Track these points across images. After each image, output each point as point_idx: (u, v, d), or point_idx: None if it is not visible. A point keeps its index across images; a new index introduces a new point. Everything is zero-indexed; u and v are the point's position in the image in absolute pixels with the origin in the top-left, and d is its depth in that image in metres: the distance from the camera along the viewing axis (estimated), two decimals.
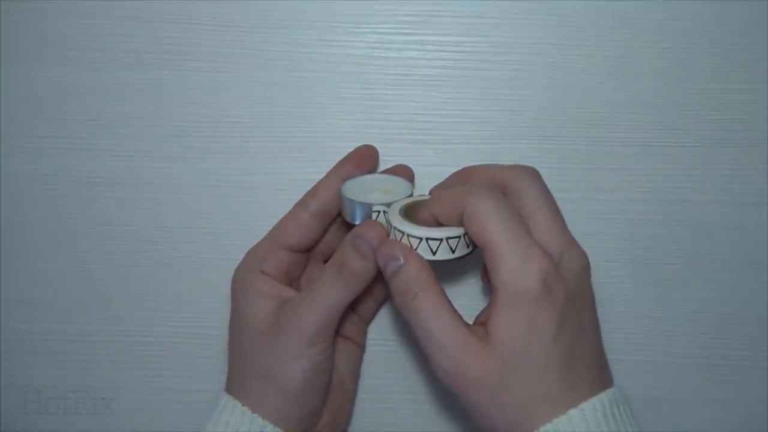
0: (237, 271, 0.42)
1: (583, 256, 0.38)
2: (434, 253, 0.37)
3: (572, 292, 0.36)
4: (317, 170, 0.45)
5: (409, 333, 0.47)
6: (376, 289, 0.44)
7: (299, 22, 0.46)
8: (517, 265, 0.35)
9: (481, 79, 0.46)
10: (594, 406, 0.34)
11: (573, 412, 0.34)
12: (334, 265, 0.39)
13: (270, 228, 0.43)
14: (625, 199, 0.46)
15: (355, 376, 0.46)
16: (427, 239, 0.37)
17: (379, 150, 0.45)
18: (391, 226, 0.39)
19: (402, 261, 0.37)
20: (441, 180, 0.43)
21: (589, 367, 0.36)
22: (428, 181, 0.44)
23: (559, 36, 0.46)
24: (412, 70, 0.46)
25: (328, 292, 0.39)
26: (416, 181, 0.45)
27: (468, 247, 0.38)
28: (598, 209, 0.46)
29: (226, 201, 0.46)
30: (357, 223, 0.40)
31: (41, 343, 0.47)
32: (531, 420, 0.34)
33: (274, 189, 0.46)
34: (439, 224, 0.38)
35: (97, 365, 0.47)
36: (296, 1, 0.46)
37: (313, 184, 0.43)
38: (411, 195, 0.41)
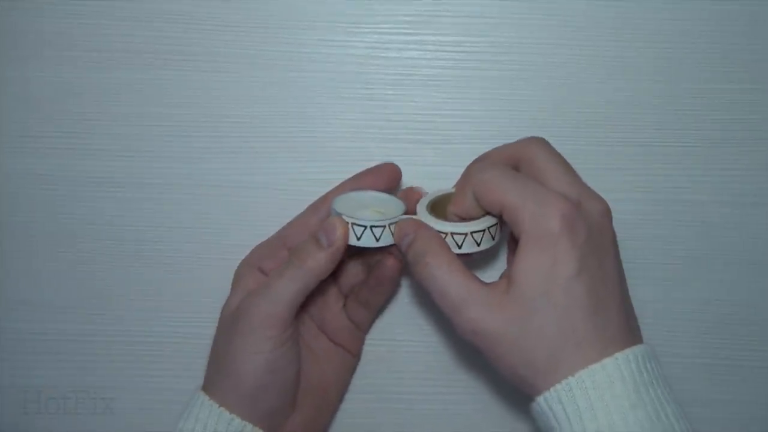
0: (238, 265, 0.43)
1: (602, 201, 0.37)
2: (460, 247, 0.38)
3: (594, 233, 0.35)
4: (317, 170, 0.45)
5: (409, 333, 0.47)
6: (372, 297, 0.44)
7: (299, 22, 0.46)
8: (535, 210, 0.35)
9: (481, 79, 0.46)
10: (628, 358, 0.34)
11: (607, 360, 0.34)
12: (289, 257, 0.40)
13: (271, 228, 0.43)
14: (625, 199, 0.46)
15: (342, 384, 0.45)
16: (452, 234, 0.38)
17: (379, 150, 0.45)
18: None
19: (412, 235, 0.38)
20: (441, 180, 0.43)
21: (614, 312, 0.35)
22: (428, 181, 0.44)
23: (559, 36, 0.46)
24: (412, 70, 0.46)
25: (277, 283, 0.39)
26: (416, 181, 0.45)
27: (493, 239, 0.39)
28: None
29: (226, 201, 0.46)
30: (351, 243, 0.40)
31: (41, 343, 0.47)
32: (559, 365, 0.34)
33: (274, 189, 0.46)
34: (465, 219, 0.39)
35: (97, 365, 0.47)
36: (296, 1, 0.46)
37: (314, 185, 0.43)
38: (404, 213, 0.41)
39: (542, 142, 0.39)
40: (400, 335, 0.47)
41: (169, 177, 0.46)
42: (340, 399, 0.46)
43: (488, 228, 0.39)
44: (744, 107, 0.46)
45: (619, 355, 0.34)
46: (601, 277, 0.35)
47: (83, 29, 0.46)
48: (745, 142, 0.46)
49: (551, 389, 0.34)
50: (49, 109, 0.46)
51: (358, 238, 0.39)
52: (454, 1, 0.46)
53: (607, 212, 0.37)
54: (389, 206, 0.41)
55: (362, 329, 0.45)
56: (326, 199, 0.43)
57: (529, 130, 0.45)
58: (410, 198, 0.42)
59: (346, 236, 0.39)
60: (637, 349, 0.34)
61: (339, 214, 0.39)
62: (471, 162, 0.41)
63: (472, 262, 0.42)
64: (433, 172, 0.46)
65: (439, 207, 0.40)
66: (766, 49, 0.45)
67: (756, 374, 0.47)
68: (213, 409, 0.39)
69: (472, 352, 0.47)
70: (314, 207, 0.43)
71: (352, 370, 0.46)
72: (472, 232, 0.38)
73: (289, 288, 0.39)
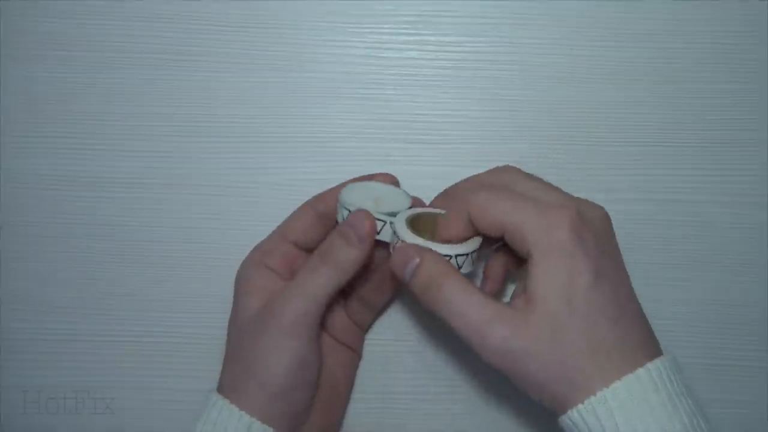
0: (241, 265, 0.43)
1: (600, 208, 0.37)
2: (460, 268, 0.37)
3: (600, 240, 0.35)
4: (317, 170, 0.45)
5: (408, 333, 0.47)
6: (374, 298, 0.44)
7: (299, 22, 0.46)
8: (541, 224, 0.35)
9: (481, 79, 0.46)
10: (659, 368, 0.34)
11: (641, 371, 0.33)
12: (318, 254, 0.39)
13: (272, 228, 0.43)
14: (625, 199, 0.46)
15: (350, 381, 0.45)
16: (456, 256, 0.37)
17: (379, 150, 0.46)
18: (398, 237, 0.38)
19: (418, 259, 0.37)
20: (441, 180, 0.43)
21: (636, 319, 0.35)
22: (428, 181, 0.44)
23: (559, 36, 0.46)
24: (412, 70, 0.46)
25: (309, 281, 0.39)
26: (416, 181, 0.45)
27: (473, 264, 0.38)
28: None
29: (226, 201, 0.46)
30: None
31: (41, 343, 0.47)
32: (592, 377, 0.34)
33: (274, 189, 0.46)
34: (451, 242, 0.38)
35: (97, 365, 0.47)
36: (297, 1, 0.46)
37: (315, 185, 0.43)
38: (411, 206, 0.41)
39: (516, 169, 0.39)
40: (399, 335, 0.47)
41: (169, 177, 0.46)
42: (348, 397, 0.46)
43: (471, 253, 0.38)
44: (744, 107, 0.46)
45: (650, 365, 0.34)
46: (617, 284, 0.35)
47: (83, 29, 0.46)
48: (745, 142, 0.46)
49: (585, 402, 0.33)
50: (49, 109, 0.46)
51: (378, 233, 0.39)
52: (454, 1, 0.46)
53: (607, 218, 0.37)
54: (396, 198, 0.41)
55: (363, 328, 0.46)
56: (323, 198, 0.42)
57: (528, 130, 0.46)
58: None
59: (374, 230, 0.38)
60: (666, 360, 0.34)
61: (349, 206, 0.39)
62: (451, 186, 0.41)
63: None
64: (433, 172, 0.46)
65: (418, 227, 0.39)
66: (766, 49, 0.45)
67: (756, 374, 0.47)
68: (233, 412, 0.39)
69: (472, 353, 0.47)
70: (311, 203, 0.42)
71: (356, 367, 0.46)
72: (472, 252, 0.38)
73: (322, 286, 0.38)
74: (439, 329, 0.47)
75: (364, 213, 0.38)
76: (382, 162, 0.45)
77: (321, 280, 0.39)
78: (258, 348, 0.39)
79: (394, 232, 0.39)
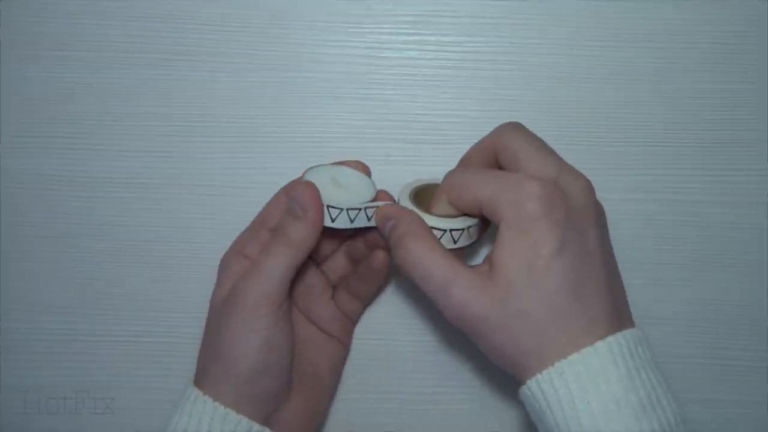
0: (222, 257, 0.43)
1: (582, 177, 0.37)
2: (456, 242, 0.38)
3: (574, 210, 0.35)
4: None
5: (408, 333, 0.47)
6: (363, 289, 0.44)
7: (299, 22, 0.46)
8: (510, 197, 0.35)
9: (481, 79, 0.46)
10: (620, 342, 0.33)
11: (600, 344, 0.33)
12: (272, 234, 0.40)
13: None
14: (625, 199, 0.46)
15: (336, 373, 0.45)
16: (451, 231, 0.38)
17: (379, 150, 0.46)
18: None
19: (395, 218, 0.38)
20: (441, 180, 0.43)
21: (598, 292, 0.35)
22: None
23: (559, 36, 0.46)
24: (412, 70, 0.46)
25: (266, 262, 0.39)
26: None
27: (471, 237, 0.39)
28: None
29: (226, 201, 0.46)
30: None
31: (41, 343, 0.47)
32: (547, 347, 0.34)
33: (274, 189, 0.46)
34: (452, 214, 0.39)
35: (97, 365, 0.47)
36: (296, 1, 0.46)
37: None
38: (374, 197, 0.41)
39: (516, 127, 0.39)
40: (397, 334, 0.47)
41: (167, 177, 0.46)
42: (334, 388, 0.46)
43: (468, 227, 0.38)
44: (744, 107, 0.46)
45: (611, 338, 0.33)
46: (583, 255, 0.35)
47: (83, 29, 0.46)
48: (745, 142, 0.46)
49: (543, 372, 0.33)
50: (49, 109, 0.46)
51: (333, 220, 0.39)
52: (454, 1, 0.46)
53: (587, 188, 0.37)
54: (360, 184, 0.41)
55: (352, 320, 0.46)
56: (299, 180, 0.42)
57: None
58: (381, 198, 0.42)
59: (317, 198, 0.39)
60: (628, 333, 0.34)
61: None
62: (463, 158, 0.41)
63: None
64: (433, 172, 0.45)
65: (421, 197, 0.40)
66: (766, 49, 0.45)
67: (756, 374, 0.47)
68: (207, 404, 0.39)
69: (468, 350, 0.47)
70: (286, 189, 0.43)
71: (344, 359, 0.46)
72: (468, 227, 0.38)
73: (278, 264, 0.39)
74: (436, 328, 0.47)
75: (304, 183, 0.39)
76: (382, 162, 0.45)
77: (277, 259, 0.39)
78: (224, 332, 0.39)
79: (398, 202, 0.40)
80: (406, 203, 0.39)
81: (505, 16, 0.46)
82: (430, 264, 0.36)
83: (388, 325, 0.47)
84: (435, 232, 0.38)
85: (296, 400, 0.42)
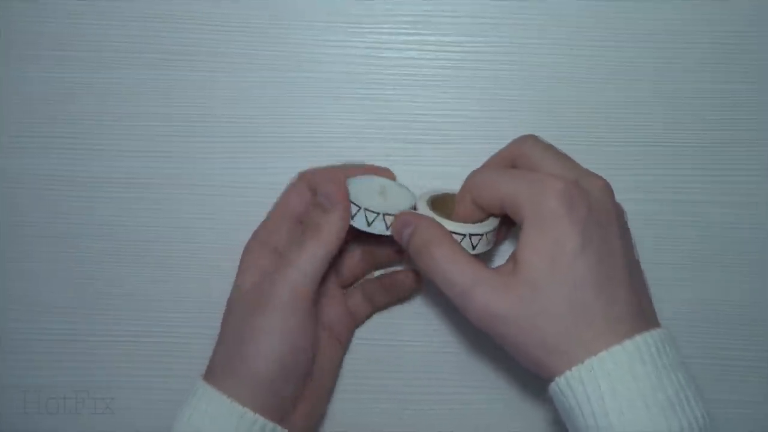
0: (246, 245, 0.42)
1: (601, 178, 0.37)
2: (474, 248, 0.38)
3: (595, 210, 0.35)
4: None
5: (408, 332, 0.47)
6: (381, 297, 0.45)
7: (299, 22, 0.46)
8: (532, 193, 0.35)
9: (481, 79, 0.46)
10: (647, 341, 0.34)
11: (628, 342, 0.33)
12: (303, 230, 0.40)
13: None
14: (625, 200, 0.46)
15: (335, 374, 0.45)
16: (470, 235, 0.38)
17: (379, 150, 0.45)
18: None
19: (413, 224, 0.38)
20: (441, 180, 0.43)
21: (622, 290, 0.35)
22: (428, 181, 0.44)
23: (559, 36, 0.46)
24: (412, 70, 0.46)
25: (300, 258, 0.39)
26: (417, 181, 0.45)
27: (488, 244, 0.39)
28: None
29: (226, 201, 0.46)
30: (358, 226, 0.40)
31: (41, 343, 0.47)
32: (574, 344, 0.34)
33: (274, 189, 0.46)
34: (473, 221, 0.39)
35: (97, 365, 0.47)
36: (296, 1, 0.46)
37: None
38: (414, 206, 0.41)
39: (533, 138, 0.40)
40: (399, 334, 0.47)
41: (169, 177, 0.46)
42: (332, 390, 0.45)
43: (486, 233, 0.39)
44: (744, 107, 0.46)
45: (638, 337, 0.34)
46: (606, 253, 0.35)
47: (83, 29, 0.46)
48: (745, 142, 0.46)
49: (572, 369, 0.33)
50: (49, 109, 0.46)
51: (352, 218, 0.39)
52: (454, 1, 0.46)
53: (606, 188, 0.37)
54: (400, 197, 0.42)
55: (358, 321, 0.46)
56: (317, 174, 0.43)
57: (528, 130, 0.45)
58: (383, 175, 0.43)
59: (344, 190, 0.39)
60: (656, 333, 0.34)
61: (357, 202, 0.40)
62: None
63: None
64: (433, 172, 0.46)
65: (438, 205, 0.40)
66: (767, 49, 0.45)
67: (756, 374, 0.47)
68: (223, 402, 0.38)
69: (472, 351, 0.47)
70: (307, 179, 0.43)
71: (341, 360, 0.46)
72: (487, 233, 0.39)
73: (312, 260, 0.39)
74: (437, 329, 0.47)
75: (333, 177, 0.40)
76: (382, 162, 0.45)
77: (309, 254, 0.39)
78: (250, 329, 0.39)
79: (415, 209, 0.40)
80: (425, 210, 0.39)
81: (505, 16, 0.46)
82: (454, 269, 0.36)
83: (388, 326, 0.47)
84: (455, 236, 0.38)
85: (302, 404, 0.41)
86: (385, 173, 0.44)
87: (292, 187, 0.43)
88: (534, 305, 0.34)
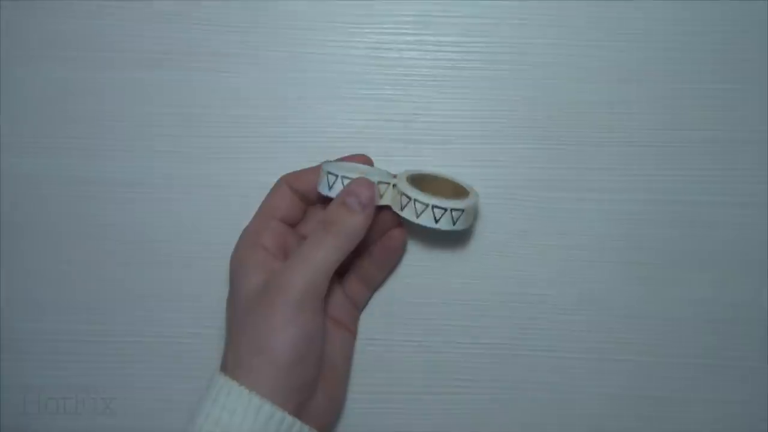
0: (235, 248, 0.43)
1: None
2: (437, 221, 0.39)
3: None
4: None
5: (408, 332, 0.47)
6: (374, 273, 0.45)
7: (299, 22, 0.46)
8: None
9: (481, 79, 0.46)
10: None
11: None
12: (321, 225, 0.40)
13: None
14: (625, 200, 0.46)
15: (348, 360, 0.45)
16: (433, 207, 0.39)
17: (379, 150, 0.45)
18: (400, 192, 0.40)
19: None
20: None
21: None
22: None
23: (559, 36, 0.46)
24: (412, 70, 0.46)
25: (314, 253, 0.39)
26: None
27: (466, 223, 0.40)
28: (598, 209, 0.46)
29: (226, 201, 0.46)
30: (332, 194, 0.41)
31: (41, 343, 0.47)
32: None
33: None
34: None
35: (97, 365, 0.47)
36: (296, 1, 0.46)
37: None
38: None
39: None
40: (399, 335, 0.47)
41: (169, 177, 0.46)
42: (348, 375, 0.45)
43: (466, 209, 0.39)
44: (744, 107, 0.46)
45: None
46: None
47: (83, 29, 0.46)
48: (744, 142, 0.46)
49: None
50: (48, 109, 0.46)
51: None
52: (454, 1, 0.46)
53: None
54: (380, 174, 0.42)
55: (358, 307, 0.46)
56: (299, 175, 0.43)
57: (529, 131, 0.46)
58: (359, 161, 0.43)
59: (375, 196, 0.40)
60: None
61: (336, 175, 0.40)
62: None
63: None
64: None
65: (418, 183, 0.41)
66: (766, 49, 0.45)
67: (756, 374, 0.47)
68: (243, 394, 0.38)
69: (472, 351, 0.47)
70: (289, 181, 0.43)
71: (353, 347, 0.46)
72: (452, 209, 0.39)
73: (328, 257, 0.39)
74: (437, 329, 0.47)
75: (365, 180, 0.40)
76: (382, 162, 0.45)
77: (326, 251, 0.39)
78: (265, 324, 0.39)
79: (394, 186, 0.41)
80: (405, 186, 0.40)
81: (505, 16, 0.46)
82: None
83: (388, 326, 0.47)
84: (417, 205, 0.39)
85: (318, 395, 0.42)
86: (363, 159, 0.44)
87: (275, 190, 0.43)
88: None
